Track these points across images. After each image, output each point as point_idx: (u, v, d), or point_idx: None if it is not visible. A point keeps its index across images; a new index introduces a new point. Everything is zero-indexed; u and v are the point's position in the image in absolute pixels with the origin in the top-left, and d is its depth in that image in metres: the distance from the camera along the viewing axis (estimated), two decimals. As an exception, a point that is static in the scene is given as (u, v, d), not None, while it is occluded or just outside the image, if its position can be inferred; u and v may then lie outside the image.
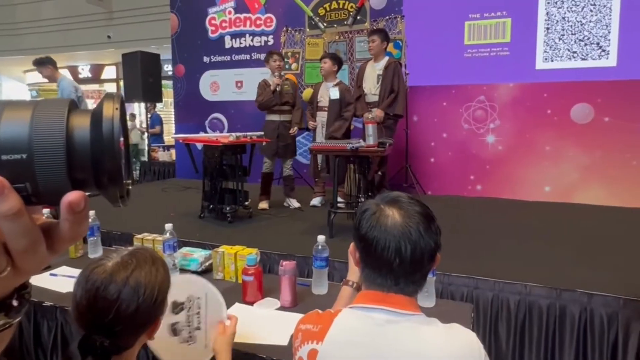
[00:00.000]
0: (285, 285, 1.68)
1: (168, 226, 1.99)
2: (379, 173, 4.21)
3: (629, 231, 3.44)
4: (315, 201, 4.39)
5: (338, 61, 4.30)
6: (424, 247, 0.91)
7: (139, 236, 2.23)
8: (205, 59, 6.34)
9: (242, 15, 6.08)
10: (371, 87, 4.25)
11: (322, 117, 4.32)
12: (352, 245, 1.03)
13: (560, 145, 4.65)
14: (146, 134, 7.32)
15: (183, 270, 2.02)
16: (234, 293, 1.79)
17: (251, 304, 1.70)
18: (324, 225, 3.33)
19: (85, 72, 13.11)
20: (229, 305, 1.65)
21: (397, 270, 0.92)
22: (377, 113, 4.06)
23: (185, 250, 2.14)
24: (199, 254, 2.07)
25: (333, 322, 0.95)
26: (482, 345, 0.90)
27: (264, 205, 4.23)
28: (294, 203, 4.30)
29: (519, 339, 2.31)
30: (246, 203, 3.94)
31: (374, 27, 4.96)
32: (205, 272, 2.03)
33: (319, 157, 4.33)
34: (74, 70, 13.11)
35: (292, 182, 4.35)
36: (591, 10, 4.50)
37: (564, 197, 4.60)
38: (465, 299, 2.40)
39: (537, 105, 4.72)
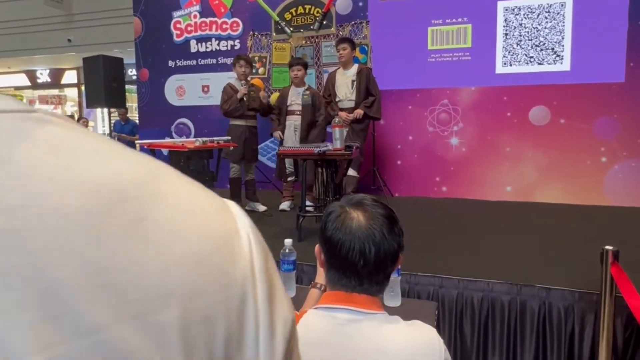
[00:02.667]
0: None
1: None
2: (355, 175, 4.28)
3: (584, 227, 3.61)
4: (284, 205, 4.40)
5: (307, 67, 4.37)
6: (387, 248, 0.95)
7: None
8: (171, 63, 6.24)
9: (207, 19, 6.03)
10: (346, 93, 4.31)
11: (294, 121, 4.33)
12: (317, 247, 1.05)
13: (519, 146, 4.83)
14: None
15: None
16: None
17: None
18: (293, 229, 3.34)
19: (44, 76, 12.66)
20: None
21: (361, 271, 0.95)
22: (358, 111, 4.14)
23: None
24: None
25: (297, 323, 0.96)
26: (442, 340, 0.94)
27: None
28: (260, 207, 4.30)
29: (483, 335, 2.38)
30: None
31: (340, 32, 5.03)
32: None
33: (287, 161, 4.33)
34: (31, 75, 12.64)
35: (254, 186, 4.36)
36: (546, 17, 4.71)
37: (525, 197, 4.77)
38: (431, 297, 2.46)
39: (498, 108, 4.90)
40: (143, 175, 0.26)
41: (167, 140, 4.01)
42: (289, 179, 4.30)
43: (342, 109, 4.31)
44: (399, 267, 1.77)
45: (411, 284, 2.51)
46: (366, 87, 4.20)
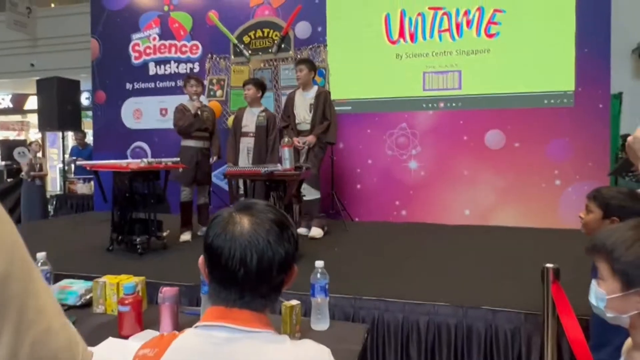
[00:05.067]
0: (165, 315, 1.53)
1: (40, 255, 1.78)
2: (316, 197, 4.18)
3: (537, 250, 3.58)
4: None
5: (262, 87, 4.28)
6: (271, 256, 0.84)
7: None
8: (128, 86, 6.11)
9: (167, 42, 5.96)
10: (304, 115, 4.26)
11: (247, 143, 4.22)
12: (201, 258, 0.93)
13: (476, 169, 4.86)
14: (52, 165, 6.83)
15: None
16: (113, 327, 1.61)
17: (127, 337, 1.53)
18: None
19: (6, 102, 12.26)
20: (100, 340, 1.48)
21: (242, 283, 0.84)
22: (309, 139, 4.06)
23: (64, 282, 1.92)
24: (78, 286, 1.86)
25: (171, 344, 0.84)
26: (334, 361, 0.82)
27: (185, 237, 4.01)
28: None
29: (430, 359, 2.27)
30: (163, 234, 3.71)
31: (299, 55, 5.03)
32: (86, 305, 1.83)
33: (240, 182, 4.20)
34: (-9, 100, 12.24)
35: (207, 211, 4.20)
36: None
37: (483, 220, 4.77)
38: (376, 322, 2.34)
39: (454, 132, 4.94)
40: None
41: (110, 162, 3.83)
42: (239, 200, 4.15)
43: (300, 131, 4.25)
44: (327, 288, 1.66)
45: (356, 307, 2.39)
46: (323, 110, 4.16)
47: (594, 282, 0.98)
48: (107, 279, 1.80)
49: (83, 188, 6.79)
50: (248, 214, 0.87)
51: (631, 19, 5.55)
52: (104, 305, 1.78)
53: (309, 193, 4.12)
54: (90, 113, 8.23)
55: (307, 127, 4.22)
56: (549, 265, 1.92)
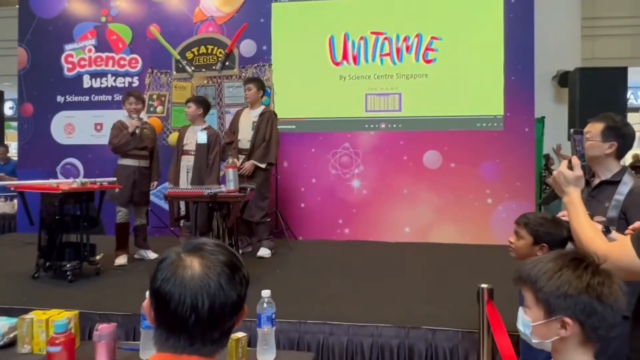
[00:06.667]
0: (100, 353, 1.44)
1: None
2: (267, 220, 4.14)
3: (471, 266, 3.76)
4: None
5: (203, 104, 4.20)
6: (224, 301, 0.82)
7: None
8: (60, 99, 5.75)
9: (104, 54, 5.70)
10: (246, 134, 4.23)
11: (187, 161, 4.10)
12: (146, 302, 0.89)
13: (416, 188, 5.05)
14: None
15: (-23, 346, 1.65)
16: (41, 369, 1.49)
17: (57, 381, 1.42)
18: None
19: None
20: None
21: (192, 329, 0.81)
22: (247, 166, 4.03)
23: (-17, 319, 1.76)
24: (1, 324, 1.71)
25: None
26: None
27: (121, 260, 3.80)
28: (150, 254, 3.97)
29: (374, 382, 2.30)
30: (96, 258, 3.51)
31: (244, 74, 5.01)
32: (9, 345, 1.68)
33: (182, 204, 4.07)
34: None
35: (144, 232, 4.04)
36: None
37: (422, 237, 4.94)
38: (321, 346, 2.34)
39: (395, 152, 5.11)
40: None
41: (39, 182, 3.57)
42: (180, 223, 4.02)
43: (241, 149, 4.21)
44: (274, 317, 1.65)
45: (301, 332, 2.38)
46: (264, 130, 4.17)
47: (521, 310, 1.05)
48: (35, 315, 1.67)
49: (4, 207, 6.25)
50: (198, 255, 0.84)
51: (552, 48, 6.07)
52: (30, 344, 1.65)
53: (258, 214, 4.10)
54: (13, 124, 7.65)
55: (248, 145, 4.19)
56: (484, 285, 2.03)
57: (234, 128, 4.33)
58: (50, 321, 1.64)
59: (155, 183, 4.14)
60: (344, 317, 2.44)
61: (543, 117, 6.25)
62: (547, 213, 1.81)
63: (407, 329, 2.32)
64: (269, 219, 4.30)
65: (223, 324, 0.84)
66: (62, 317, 1.61)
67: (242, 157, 4.18)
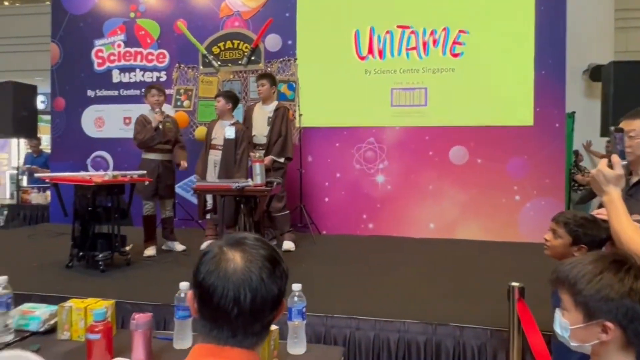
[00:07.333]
0: (137, 342, 1.48)
1: (1, 279, 1.69)
2: (285, 212, 4.17)
3: (499, 264, 3.71)
4: (206, 244, 4.15)
5: (233, 99, 4.23)
6: (265, 294, 0.83)
7: (-34, 293, 1.86)
8: (90, 93, 5.90)
9: (132, 49, 5.82)
10: (261, 129, 4.26)
11: (215, 155, 4.15)
12: (190, 294, 0.92)
13: (441, 184, 4.99)
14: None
15: (20, 332, 1.71)
16: (80, 355, 1.54)
17: (96, 367, 1.47)
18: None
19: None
20: (67, 371, 1.42)
21: (235, 322, 0.82)
22: (266, 161, 4.05)
23: (25, 307, 1.83)
24: (41, 311, 1.77)
25: None
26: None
27: (150, 251, 3.89)
28: (177, 246, 4.04)
29: (400, 378, 2.30)
30: (126, 248, 3.60)
31: (269, 68, 5.03)
32: (49, 332, 1.74)
33: (209, 198, 4.13)
34: None
35: (171, 224, 4.11)
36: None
37: (447, 233, 4.89)
38: (347, 341, 2.35)
39: (420, 147, 5.06)
40: None
41: (73, 174, 3.68)
42: (207, 216, 4.08)
43: (255, 145, 4.24)
44: (304, 311, 1.66)
45: (327, 326, 2.39)
46: (280, 126, 4.19)
47: (558, 312, 1.03)
48: (74, 303, 1.73)
49: (38, 198, 6.47)
50: (240, 249, 0.86)
51: (583, 41, 5.89)
52: (70, 331, 1.70)
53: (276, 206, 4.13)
54: (45, 117, 7.87)
55: (264, 140, 4.22)
56: (514, 284, 2.00)
57: (247, 123, 4.36)
58: (88, 309, 1.69)
59: (183, 164, 4.06)
60: (371, 312, 2.44)
61: (573, 112, 6.08)
62: (586, 212, 1.76)
63: (434, 325, 2.31)
64: (288, 211, 4.32)
65: (264, 317, 0.85)
66: (101, 306, 1.66)
67: (257, 152, 4.21)
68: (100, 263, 3.27)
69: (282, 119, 4.21)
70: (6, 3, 10.88)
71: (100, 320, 1.52)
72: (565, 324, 0.99)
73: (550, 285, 1.07)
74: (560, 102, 4.88)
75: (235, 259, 0.84)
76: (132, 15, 5.81)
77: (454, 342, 2.28)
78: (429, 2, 5.11)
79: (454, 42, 5.04)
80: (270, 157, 4.10)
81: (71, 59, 5.97)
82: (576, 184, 6.10)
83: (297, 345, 1.59)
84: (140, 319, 1.50)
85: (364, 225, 5.13)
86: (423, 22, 5.09)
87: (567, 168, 5.71)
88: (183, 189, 5.29)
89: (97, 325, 1.51)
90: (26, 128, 5.81)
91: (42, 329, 1.73)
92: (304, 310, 1.63)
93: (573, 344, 0.99)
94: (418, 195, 5.04)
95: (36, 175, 4.18)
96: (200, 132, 4.91)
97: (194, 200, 5.34)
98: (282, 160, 4.17)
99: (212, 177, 4.04)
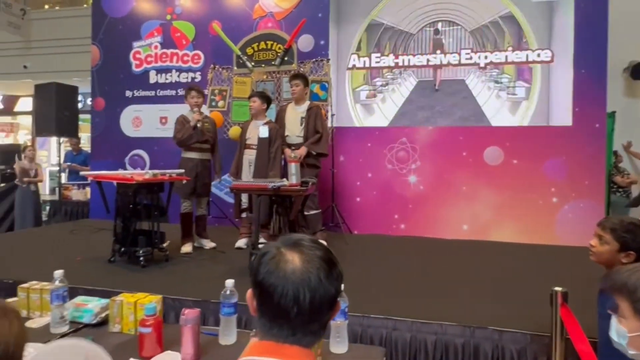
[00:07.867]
0: (186, 337, 1.54)
1: (57, 273, 1.78)
2: (317, 211, 4.20)
3: (536, 267, 3.64)
4: (241, 242, 4.23)
5: (267, 99, 4.30)
6: (323, 294, 0.86)
7: (25, 285, 1.97)
8: (128, 93, 6.09)
9: (168, 51, 5.97)
10: (294, 129, 4.29)
11: (250, 155, 4.23)
12: (249, 292, 0.95)
13: (475, 185, 4.92)
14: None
15: (74, 323, 1.80)
16: (131, 348, 1.61)
17: (148, 359, 1.54)
18: (245, 267, 3.20)
19: (-5, 102, 12.11)
20: (121, 362, 1.48)
21: (294, 320, 0.85)
22: (300, 151, 4.08)
23: (79, 299, 1.92)
24: (94, 304, 1.86)
25: None
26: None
27: (186, 248, 3.99)
28: (208, 243, 4.14)
29: (437, 380, 2.29)
30: (163, 245, 3.70)
31: (301, 69, 5.07)
32: (101, 324, 1.82)
33: (244, 197, 4.21)
34: (-20, 101, 12.08)
35: (204, 222, 4.21)
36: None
37: (480, 235, 4.82)
38: (384, 340, 2.36)
39: (454, 147, 5.00)
40: None
41: (115, 172, 3.81)
42: (242, 215, 4.15)
43: (289, 145, 4.27)
44: (347, 311, 1.68)
45: (364, 326, 2.40)
46: (315, 123, 4.21)
47: (614, 319, 1.01)
48: (124, 297, 1.80)
49: (78, 194, 6.72)
50: (297, 250, 0.88)
51: (624, 39, 5.68)
52: (120, 324, 1.78)
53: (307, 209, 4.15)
54: (82, 117, 8.15)
55: (299, 140, 4.25)
56: (557, 288, 1.96)
57: (279, 124, 4.40)
58: (138, 304, 1.76)
59: (217, 177, 4.28)
60: (407, 313, 2.43)
61: (614, 112, 5.88)
62: (634, 218, 1.71)
63: (472, 328, 2.28)
64: (320, 210, 4.34)
65: (322, 317, 0.87)
66: (150, 301, 1.73)
67: (293, 152, 4.23)
68: (141, 258, 3.38)
69: (315, 117, 4.23)
70: (46, 7, 11.31)
71: (151, 314, 1.59)
72: (623, 331, 0.98)
73: (604, 291, 1.06)
74: (601, 101, 4.73)
75: (294, 259, 0.87)
76: (168, 17, 5.96)
77: (493, 345, 2.25)
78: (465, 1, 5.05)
79: (490, 41, 4.95)
80: (304, 148, 4.11)
81: (110, 60, 6.17)
82: (615, 186, 5.90)
83: (340, 345, 1.62)
84: (189, 315, 1.56)
85: (395, 225, 5.11)
86: (455, 19, 5.02)
87: (607, 169, 5.53)
88: (217, 188, 5.40)
89: (148, 319, 1.57)
90: (68, 127, 6.04)
91: (94, 322, 1.82)
92: (346, 309, 1.65)
93: (631, 352, 0.97)
94: (451, 196, 4.98)
95: (81, 173, 4.36)
96: (234, 131, 5.00)
97: (227, 198, 5.44)
98: (314, 152, 4.17)
99: (247, 176, 4.11)
